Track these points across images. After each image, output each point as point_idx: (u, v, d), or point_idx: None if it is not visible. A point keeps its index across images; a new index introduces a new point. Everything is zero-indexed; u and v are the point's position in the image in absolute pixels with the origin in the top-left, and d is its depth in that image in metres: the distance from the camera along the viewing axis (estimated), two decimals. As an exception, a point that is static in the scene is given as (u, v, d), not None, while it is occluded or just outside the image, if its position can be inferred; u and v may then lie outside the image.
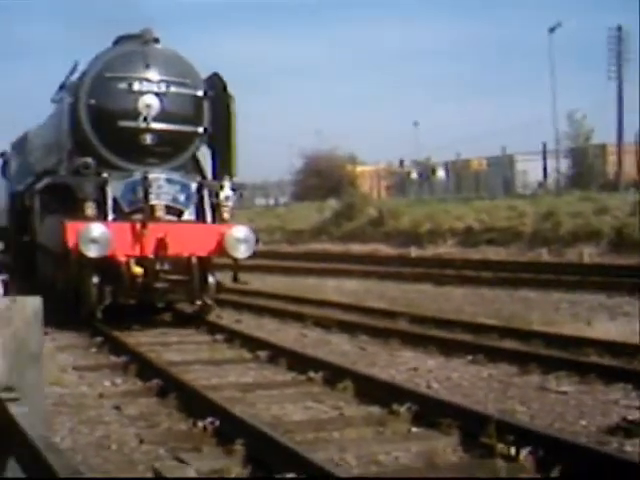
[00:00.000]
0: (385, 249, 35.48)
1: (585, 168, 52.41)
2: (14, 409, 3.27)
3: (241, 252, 14.54)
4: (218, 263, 15.52)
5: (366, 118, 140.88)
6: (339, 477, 5.94)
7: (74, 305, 14.93)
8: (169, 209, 14.77)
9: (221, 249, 14.50)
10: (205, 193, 15.07)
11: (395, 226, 37.72)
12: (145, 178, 14.35)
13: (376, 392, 9.03)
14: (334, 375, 9.88)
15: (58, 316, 13.57)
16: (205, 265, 14.75)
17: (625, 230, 27.19)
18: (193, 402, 8.74)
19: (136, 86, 14.96)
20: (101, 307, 14.20)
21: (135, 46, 15.27)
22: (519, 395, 9.17)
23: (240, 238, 14.50)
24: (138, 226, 14.16)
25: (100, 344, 13.16)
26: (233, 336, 13.39)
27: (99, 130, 15.06)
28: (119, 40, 15.60)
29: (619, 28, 56.19)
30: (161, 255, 14.16)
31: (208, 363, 11.45)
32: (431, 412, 8.00)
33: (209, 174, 16.03)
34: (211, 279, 14.84)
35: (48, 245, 15.50)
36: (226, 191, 15.04)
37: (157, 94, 15.06)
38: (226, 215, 15.00)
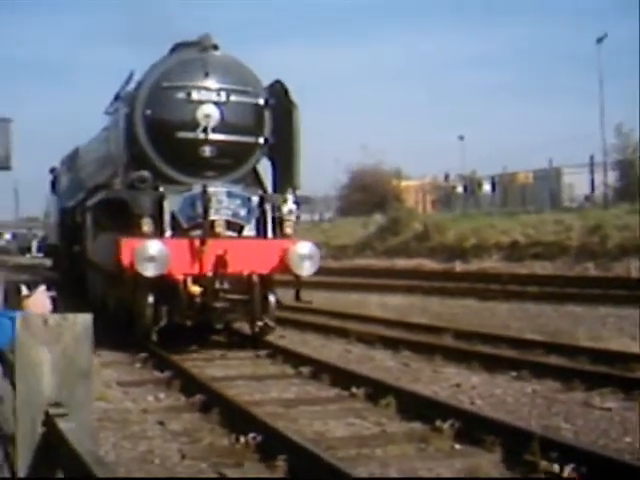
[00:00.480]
0: (430, 264, 34.47)
1: (633, 181, 50.90)
2: (63, 424, 3.21)
3: (306, 269, 13.46)
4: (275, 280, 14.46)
5: (411, 132, 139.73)
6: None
7: (127, 325, 14.03)
8: (229, 224, 13.74)
9: (284, 266, 13.43)
10: (267, 207, 14.01)
11: (440, 241, 36.63)
12: (204, 192, 13.33)
13: (419, 408, 8.88)
14: (377, 391, 9.71)
15: (108, 335, 12.94)
16: (266, 283, 13.68)
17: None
18: (236, 417, 8.63)
19: (195, 95, 13.96)
20: (156, 328, 13.18)
21: (193, 53, 14.28)
22: (563, 411, 8.97)
23: (304, 254, 13.43)
24: (197, 243, 13.15)
25: (144, 360, 12.83)
26: (276, 351, 13.13)
27: (156, 142, 14.07)
28: (176, 48, 14.61)
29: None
30: (220, 273, 13.13)
31: (251, 378, 11.30)
32: (474, 429, 7.83)
33: (269, 187, 14.96)
34: (272, 298, 13.79)
35: (101, 263, 14.51)
36: (289, 205, 13.98)
37: (216, 103, 14.05)
38: (289, 230, 13.95)
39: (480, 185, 55.51)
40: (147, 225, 13.24)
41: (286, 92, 14.43)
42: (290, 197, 14.06)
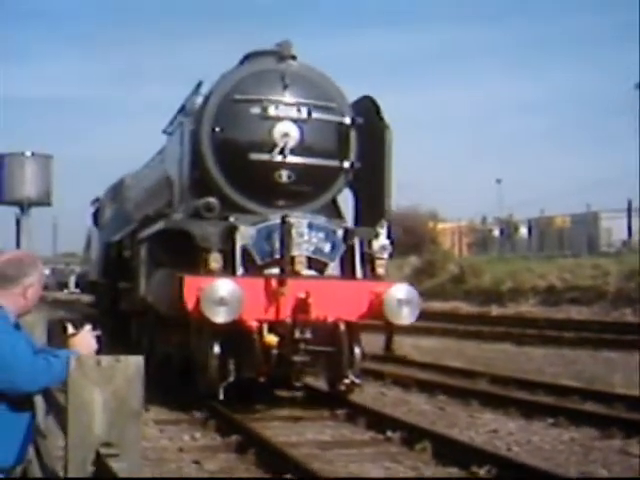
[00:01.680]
0: (465, 307, 32.89)
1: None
2: (115, 465, 3.11)
3: (404, 317, 10.77)
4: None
5: (448, 175, 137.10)
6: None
7: (181, 376, 11.64)
8: (310, 262, 11.04)
9: (377, 312, 10.75)
10: (356, 242, 11.31)
11: (476, 284, 34.99)
12: (284, 222, 10.65)
13: (455, 453, 8.49)
14: (412, 435, 9.29)
15: (158, 387, 10.52)
16: (353, 332, 10.98)
17: None
18: (272, 458, 8.31)
19: (271, 111, 11.37)
20: (224, 384, 10.49)
21: (269, 63, 11.71)
22: (601, 459, 8.60)
23: (402, 299, 10.72)
24: (274, 283, 10.48)
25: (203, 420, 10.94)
26: (312, 393, 11.98)
27: (225, 164, 11.48)
28: (249, 57, 12.00)
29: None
30: (301, 320, 10.45)
31: (287, 420, 10.72)
32: (511, 475, 7.57)
33: (349, 219, 12.28)
34: (357, 350, 11.07)
35: (155, 303, 11.82)
36: (381, 240, 11.31)
37: (296, 121, 11.46)
38: (381, 270, 11.28)
39: (517, 228, 53.15)
40: (215, 261, 10.59)
41: (377, 110, 11.79)
42: (383, 231, 11.39)
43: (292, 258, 10.78)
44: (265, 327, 10.44)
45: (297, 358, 10.49)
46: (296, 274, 10.71)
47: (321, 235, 11.07)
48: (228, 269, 10.71)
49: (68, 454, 3.39)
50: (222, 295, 10.01)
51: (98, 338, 4.25)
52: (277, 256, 10.84)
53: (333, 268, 11.29)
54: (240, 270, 10.73)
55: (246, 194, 11.53)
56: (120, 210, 18.91)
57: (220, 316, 10.01)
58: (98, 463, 3.26)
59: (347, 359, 10.86)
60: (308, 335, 10.53)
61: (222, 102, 11.51)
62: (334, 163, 11.81)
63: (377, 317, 10.84)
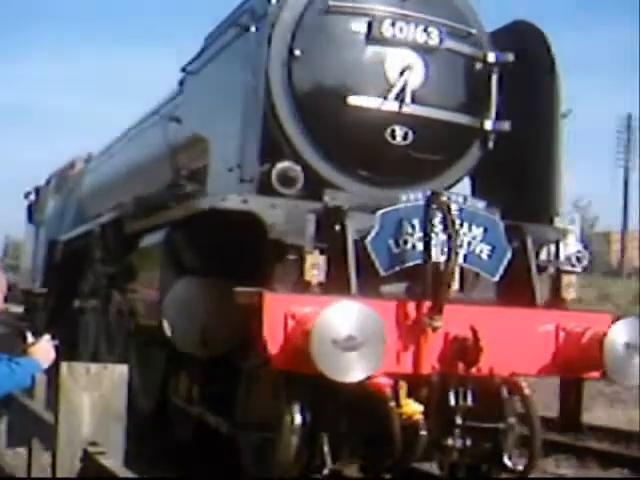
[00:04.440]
0: None
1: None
2: (104, 461, 3.16)
3: (634, 374, 5.78)
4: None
5: None
6: None
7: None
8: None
9: (588, 364, 5.79)
10: (529, 245, 6.29)
11: None
12: (429, 205, 5.62)
13: None
14: None
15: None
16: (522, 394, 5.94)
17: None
18: None
19: (385, 29, 6.36)
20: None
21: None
22: None
23: (632, 344, 5.74)
24: (414, 311, 5.45)
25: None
26: None
27: (304, 110, 6.40)
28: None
29: (629, 117, 49.09)
30: (458, 376, 5.43)
31: None
32: None
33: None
34: (537, 423, 5.97)
35: (178, 340, 6.55)
36: (572, 244, 6.34)
37: (421, 49, 6.42)
38: (571, 293, 6.25)
39: None
40: (316, 268, 5.46)
41: (540, 43, 6.86)
42: (575, 230, 6.46)
43: (436, 267, 5.74)
44: (403, 387, 5.36)
45: (452, 442, 5.45)
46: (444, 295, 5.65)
47: (478, 230, 6.03)
48: (333, 283, 5.60)
49: (57, 452, 3.35)
50: (352, 333, 4.91)
51: (56, 347, 4.14)
52: (410, 263, 5.79)
53: (487, 286, 6.26)
54: (354, 285, 5.60)
55: (337, 161, 6.47)
56: (72, 200, 13.43)
57: (352, 372, 4.97)
58: (85, 459, 3.23)
59: (515, 436, 5.86)
60: (469, 402, 5.51)
61: (305, 11, 6.42)
62: (471, 121, 6.82)
63: (583, 370, 5.87)
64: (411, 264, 5.78)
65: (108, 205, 10.22)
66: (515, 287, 6.16)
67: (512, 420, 5.78)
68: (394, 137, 6.45)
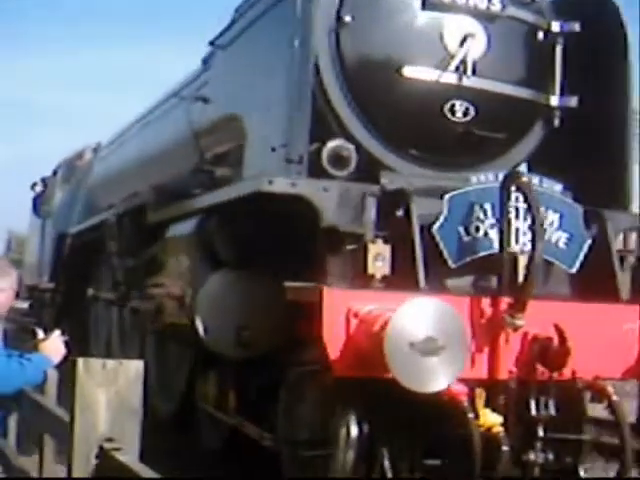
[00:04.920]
0: None
1: None
2: (121, 457, 3.06)
3: None
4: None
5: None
6: None
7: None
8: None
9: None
10: (610, 233, 5.51)
11: None
12: (505, 187, 4.84)
13: None
14: None
15: None
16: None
17: None
18: None
19: (442, -6, 5.56)
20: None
21: None
22: None
23: None
24: (490, 307, 4.67)
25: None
26: None
27: (354, 82, 5.60)
28: None
29: None
30: (539, 381, 4.65)
31: None
32: None
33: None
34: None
35: (212, 342, 5.77)
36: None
37: (481, 16, 5.68)
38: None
39: None
40: (381, 259, 4.67)
41: (610, 11, 6.08)
42: None
43: (515, 259, 4.97)
44: (480, 395, 4.59)
45: (534, 457, 4.69)
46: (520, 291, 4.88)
47: (554, 216, 5.26)
48: (396, 276, 4.82)
49: (73, 449, 3.27)
50: (431, 334, 4.15)
51: (66, 343, 4.05)
52: (483, 253, 5.02)
53: (559, 280, 5.49)
54: (422, 279, 4.82)
55: (389, 140, 5.70)
56: (82, 191, 12.63)
57: (433, 380, 4.19)
58: (101, 456, 3.20)
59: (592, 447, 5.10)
60: (551, 411, 4.75)
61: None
62: (535, 96, 6.05)
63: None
64: (484, 254, 5.00)
65: (122, 195, 9.46)
66: (593, 280, 5.38)
67: (594, 429, 5.01)
68: (453, 113, 5.68)
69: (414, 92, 5.65)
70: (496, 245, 5.01)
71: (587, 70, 6.06)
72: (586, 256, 5.35)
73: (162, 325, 7.16)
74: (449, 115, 5.67)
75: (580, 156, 6.04)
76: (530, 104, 6.02)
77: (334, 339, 4.46)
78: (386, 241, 4.74)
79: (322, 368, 4.61)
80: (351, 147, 5.33)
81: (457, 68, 5.62)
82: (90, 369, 3.27)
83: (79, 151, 13.79)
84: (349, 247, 4.79)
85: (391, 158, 5.68)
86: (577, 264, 5.28)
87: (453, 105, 5.67)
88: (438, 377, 4.20)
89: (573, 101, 6.08)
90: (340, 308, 4.48)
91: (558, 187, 5.26)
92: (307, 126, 5.16)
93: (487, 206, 5.03)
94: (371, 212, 4.89)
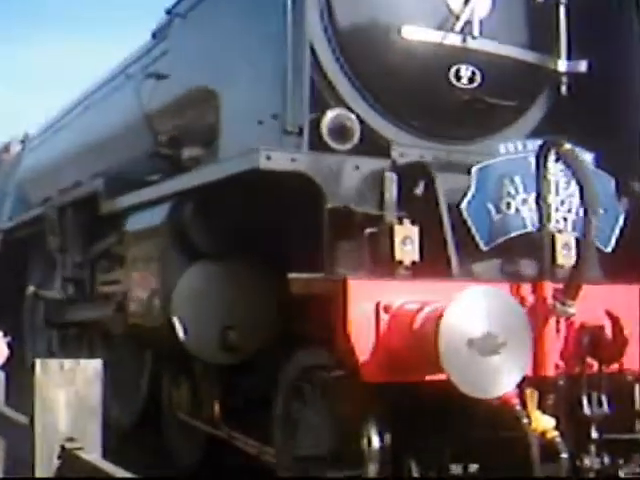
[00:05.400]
0: None
1: None
2: (85, 456, 3.06)
3: None
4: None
5: None
6: None
7: None
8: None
9: None
10: None
11: None
12: (541, 157, 4.13)
13: None
14: None
15: None
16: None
17: None
18: None
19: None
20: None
21: None
22: None
23: None
24: (530, 295, 3.96)
25: None
26: None
27: (350, 47, 4.81)
28: None
29: None
30: (591, 376, 3.96)
31: None
32: None
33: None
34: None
35: (194, 346, 4.95)
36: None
37: None
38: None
39: None
40: (410, 242, 3.91)
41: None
42: None
43: (553, 238, 4.29)
44: (532, 396, 3.89)
45: (589, 462, 4.02)
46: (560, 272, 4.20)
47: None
48: (424, 263, 4.07)
49: (35, 449, 3.21)
50: (491, 329, 3.41)
51: (8, 344, 4.04)
52: (516, 232, 4.32)
53: (594, 262, 4.81)
54: (455, 264, 4.08)
55: (388, 109, 4.94)
56: (10, 185, 11.49)
57: (498, 383, 3.43)
58: (63, 456, 3.15)
59: None
60: (605, 408, 4.08)
61: None
62: (542, 60, 5.37)
63: None
64: (517, 234, 4.30)
65: (59, 186, 8.49)
66: (624, 260, 4.73)
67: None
68: (459, 79, 4.95)
69: (415, 56, 4.91)
70: (528, 223, 4.32)
71: (596, 30, 5.40)
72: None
73: (123, 327, 6.27)
74: (454, 81, 4.94)
75: (591, 125, 5.38)
76: (537, 69, 5.33)
77: (363, 339, 3.70)
78: (413, 222, 3.97)
79: (347, 373, 3.82)
80: (353, 117, 4.55)
81: (462, 29, 4.89)
82: (48, 370, 3.22)
83: (5, 144, 12.63)
84: (368, 230, 4.00)
85: (391, 130, 4.92)
86: (612, 242, 4.62)
87: (458, 70, 4.95)
88: (501, 380, 3.48)
89: (582, 66, 5.41)
90: (369, 302, 3.71)
91: (589, 156, 4.58)
92: (307, 92, 4.36)
93: (517, 179, 4.32)
94: (392, 189, 4.11)
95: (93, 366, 3.27)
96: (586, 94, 5.37)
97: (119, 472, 2.82)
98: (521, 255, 4.41)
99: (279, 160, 4.22)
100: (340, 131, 4.47)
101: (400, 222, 3.94)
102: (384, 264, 3.97)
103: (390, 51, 4.88)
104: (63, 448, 3.16)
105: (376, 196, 4.21)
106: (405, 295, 3.76)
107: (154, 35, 6.91)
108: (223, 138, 5.13)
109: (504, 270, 4.49)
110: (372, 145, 4.70)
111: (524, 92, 5.31)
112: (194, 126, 5.77)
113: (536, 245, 4.27)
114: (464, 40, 4.94)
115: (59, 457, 3.19)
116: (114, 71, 7.96)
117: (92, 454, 3.08)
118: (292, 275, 4.13)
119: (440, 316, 3.36)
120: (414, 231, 3.95)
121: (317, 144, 4.44)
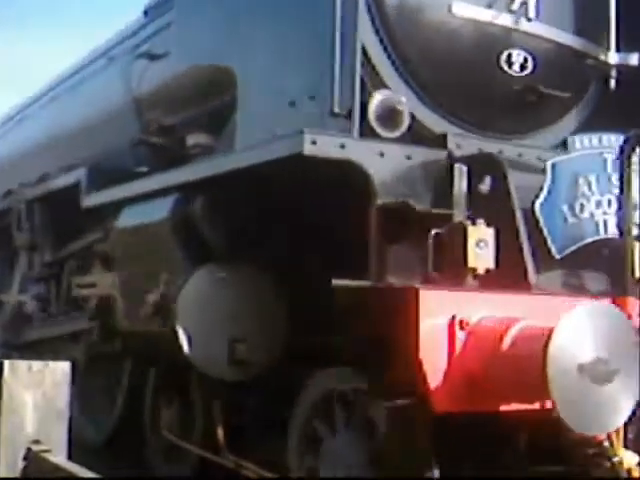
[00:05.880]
0: None
1: None
2: (53, 458, 3.02)
3: None
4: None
5: None
6: None
7: None
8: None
9: None
10: None
11: None
12: (624, 153, 3.53)
13: None
14: None
15: None
16: None
17: None
18: None
19: None
20: None
21: None
22: None
23: None
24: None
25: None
26: None
27: (394, 30, 4.15)
28: None
29: None
30: None
31: None
32: None
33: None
34: None
35: (203, 363, 4.25)
36: None
37: None
38: None
39: None
40: (485, 245, 3.26)
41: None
42: None
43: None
44: (619, 430, 3.26)
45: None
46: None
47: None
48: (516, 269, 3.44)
49: (0, 450, 3.14)
50: (600, 354, 2.78)
51: None
52: (591, 239, 3.71)
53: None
54: (532, 273, 3.45)
55: (436, 98, 4.28)
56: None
57: (609, 417, 2.78)
58: (28, 458, 3.11)
59: None
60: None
61: None
62: (593, 49, 4.79)
63: None
64: (592, 240, 3.69)
65: (24, 179, 7.69)
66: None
67: None
68: (510, 65, 4.33)
69: (465, 37, 4.28)
70: (602, 229, 3.71)
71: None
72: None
73: (103, 334, 5.51)
74: (505, 67, 4.33)
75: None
76: (587, 60, 4.74)
77: (434, 360, 3.03)
78: (488, 224, 3.32)
79: (414, 402, 3.15)
80: (404, 99, 3.89)
81: (512, 9, 4.30)
82: (16, 371, 3.16)
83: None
84: (434, 231, 3.34)
85: (437, 119, 4.29)
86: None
87: (510, 55, 4.34)
88: (614, 413, 2.85)
89: (634, 59, 4.85)
90: (442, 316, 3.05)
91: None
92: (358, 68, 3.70)
93: (592, 178, 3.71)
94: (462, 184, 3.46)
95: (62, 368, 3.21)
96: (634, 89, 4.81)
97: (85, 472, 2.72)
98: (584, 266, 3.81)
99: (325, 146, 3.54)
100: (389, 116, 3.81)
101: (473, 222, 3.29)
102: (451, 272, 3.32)
103: (439, 31, 4.25)
104: (29, 450, 3.12)
105: (430, 191, 3.56)
106: (481, 309, 3.12)
107: (146, 13, 6.19)
108: (240, 122, 4.43)
109: (566, 282, 3.87)
110: (418, 135, 4.06)
111: (576, 84, 4.72)
112: (200, 110, 5.06)
113: (608, 254, 3.68)
114: (516, 21, 4.33)
115: (24, 459, 3.14)
116: (90, 56, 7.21)
117: (58, 457, 3.02)
118: (337, 282, 3.45)
119: (549, 336, 2.71)
120: (490, 233, 3.30)
121: (364, 130, 3.78)
